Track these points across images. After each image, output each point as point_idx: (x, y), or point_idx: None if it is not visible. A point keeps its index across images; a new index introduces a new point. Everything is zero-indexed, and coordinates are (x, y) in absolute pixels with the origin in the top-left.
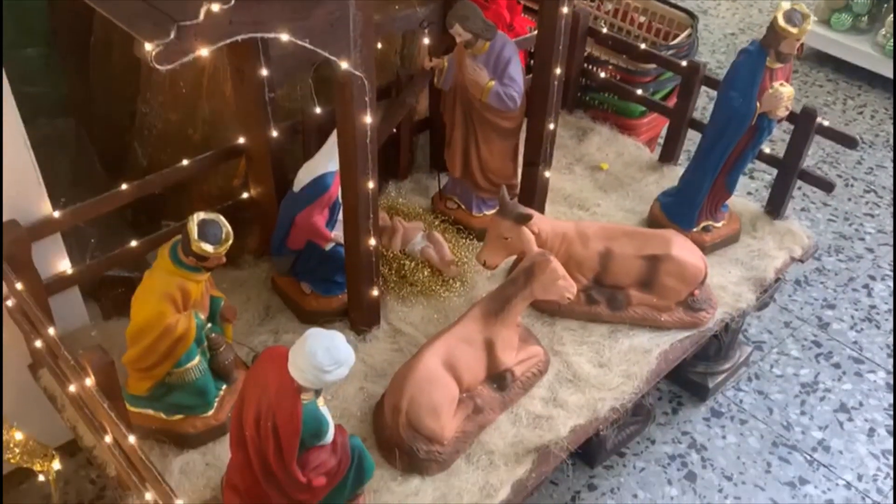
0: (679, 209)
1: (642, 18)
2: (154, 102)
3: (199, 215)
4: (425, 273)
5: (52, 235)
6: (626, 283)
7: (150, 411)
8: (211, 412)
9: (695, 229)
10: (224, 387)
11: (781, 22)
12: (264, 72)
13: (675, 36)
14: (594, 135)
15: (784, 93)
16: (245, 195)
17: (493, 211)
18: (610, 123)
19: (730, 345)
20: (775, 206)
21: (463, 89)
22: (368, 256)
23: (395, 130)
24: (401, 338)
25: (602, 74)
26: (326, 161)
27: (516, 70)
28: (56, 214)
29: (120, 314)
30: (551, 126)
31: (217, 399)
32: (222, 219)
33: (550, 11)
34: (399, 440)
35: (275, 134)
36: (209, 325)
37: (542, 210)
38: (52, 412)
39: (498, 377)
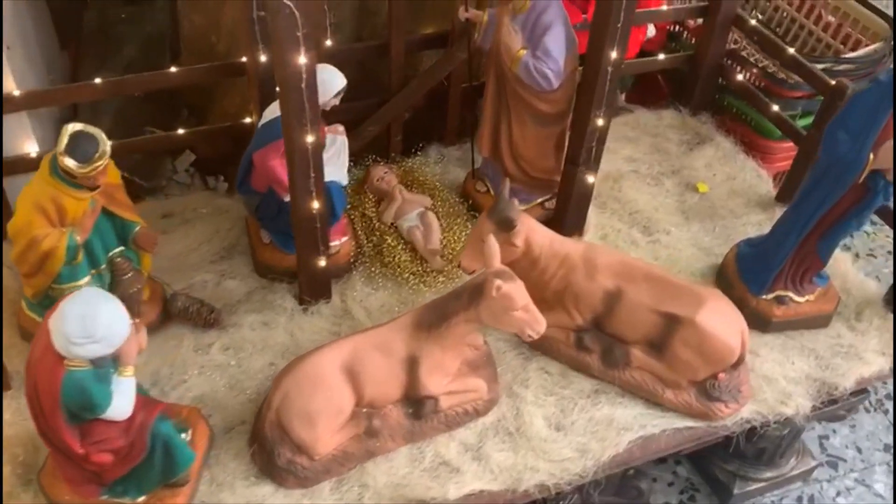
0: (754, 265)
1: (831, 18)
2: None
3: (75, 126)
4: (404, 256)
5: (15, 114)
6: (631, 338)
7: (38, 318)
8: None
9: (765, 296)
10: None
11: None
12: None
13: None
14: (709, 146)
15: None
16: (247, 119)
17: (523, 204)
18: (738, 137)
19: (779, 450)
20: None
21: (499, 54)
22: (311, 221)
23: (446, 87)
24: (346, 321)
25: (740, 77)
26: None
27: (556, 42)
28: (16, 93)
29: None
30: (599, 122)
31: None
32: (102, 136)
33: None
34: (262, 437)
35: (263, 58)
36: (120, 249)
37: (580, 223)
38: None
39: (416, 402)
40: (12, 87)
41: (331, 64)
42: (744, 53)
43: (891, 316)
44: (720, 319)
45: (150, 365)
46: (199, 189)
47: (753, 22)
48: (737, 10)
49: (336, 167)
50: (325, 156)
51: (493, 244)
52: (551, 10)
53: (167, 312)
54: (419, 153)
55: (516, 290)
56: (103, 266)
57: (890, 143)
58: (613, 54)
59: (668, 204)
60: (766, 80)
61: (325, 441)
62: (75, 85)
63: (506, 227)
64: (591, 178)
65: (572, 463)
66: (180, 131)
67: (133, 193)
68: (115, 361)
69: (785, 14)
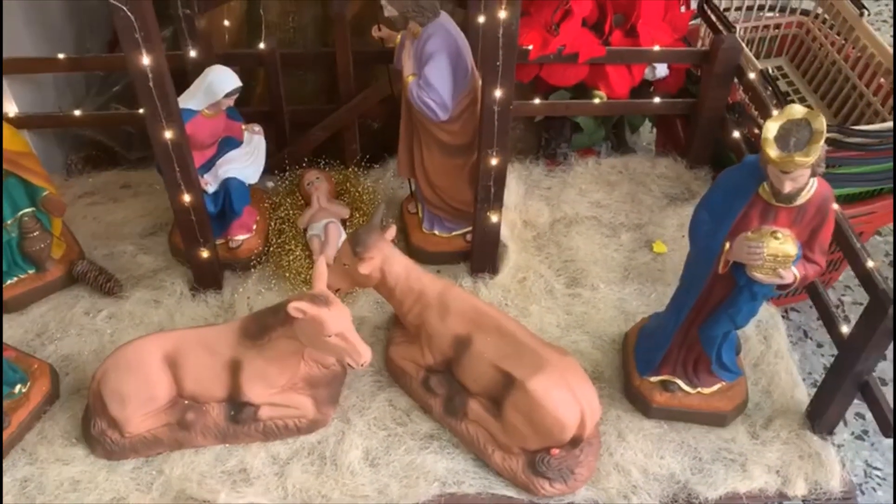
0: (646, 342)
1: (882, 80)
2: None
3: None
4: (302, 263)
5: None
6: (472, 389)
7: None
8: None
9: (650, 378)
10: (31, 271)
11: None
12: None
13: None
14: (692, 205)
15: (762, 247)
16: None
17: (444, 232)
18: None
19: None
20: (818, 413)
21: None
22: (185, 213)
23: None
24: (227, 315)
25: (735, 134)
26: (186, 97)
27: (436, 73)
28: None
29: (81, 172)
30: (493, 161)
31: (14, 280)
32: None
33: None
34: (87, 406)
35: (193, 53)
36: (30, 209)
37: (490, 261)
38: None
39: (237, 406)
40: None
41: (287, 67)
42: (753, 108)
43: (806, 433)
44: (558, 390)
45: (45, 317)
46: None
47: (752, 75)
48: (738, 59)
49: (246, 165)
50: (239, 152)
51: (321, 266)
52: (434, 40)
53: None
54: (378, 165)
55: (329, 316)
56: (9, 222)
57: (742, 235)
58: (498, 93)
59: (613, 259)
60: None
61: (136, 422)
62: (40, 58)
63: (357, 251)
64: (494, 217)
65: (365, 501)
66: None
67: (113, 162)
68: None
69: (821, 65)
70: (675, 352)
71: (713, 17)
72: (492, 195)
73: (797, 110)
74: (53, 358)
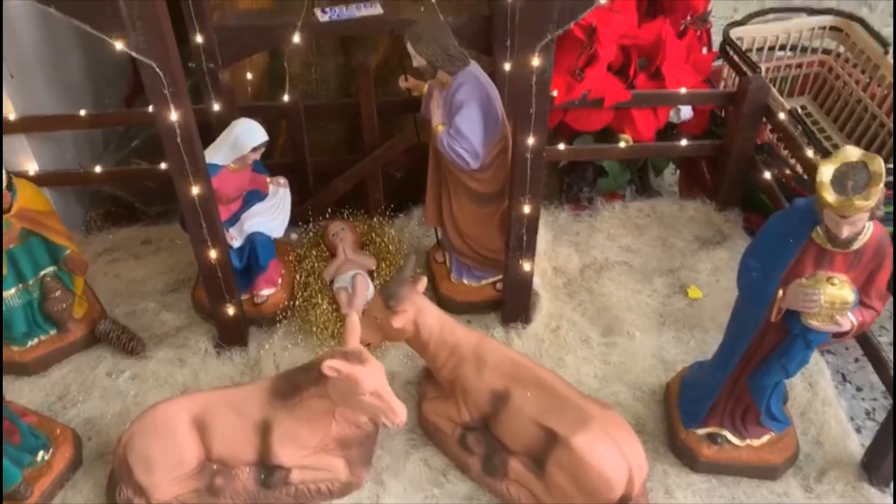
0: (691, 393)
1: None
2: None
3: None
4: (329, 317)
5: (15, 135)
6: (512, 447)
7: None
8: (16, 348)
9: (697, 430)
10: (53, 332)
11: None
12: (199, 39)
13: None
14: (724, 248)
15: (819, 294)
16: None
17: (473, 281)
18: None
19: None
20: (875, 464)
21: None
22: (211, 269)
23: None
24: (253, 373)
25: (766, 174)
26: (212, 151)
27: (467, 122)
28: (10, 118)
29: (101, 229)
30: (525, 209)
31: (35, 341)
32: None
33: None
34: (113, 471)
35: (216, 107)
36: (52, 268)
37: (523, 310)
38: None
39: (268, 469)
40: (10, 112)
41: (311, 118)
42: (783, 148)
43: (863, 486)
44: (604, 447)
45: (66, 379)
46: None
47: (782, 116)
48: (767, 100)
49: (271, 218)
50: (264, 206)
51: (354, 321)
52: (465, 89)
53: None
54: (402, 214)
55: (364, 374)
56: (31, 282)
57: (797, 282)
58: (531, 140)
59: (647, 305)
60: (795, 182)
61: (163, 489)
62: (60, 115)
63: (389, 303)
64: (527, 266)
65: None
66: (163, 166)
67: (133, 217)
68: None
69: (865, 108)
70: (722, 403)
71: (736, 58)
72: (524, 243)
73: (852, 152)
74: (76, 422)
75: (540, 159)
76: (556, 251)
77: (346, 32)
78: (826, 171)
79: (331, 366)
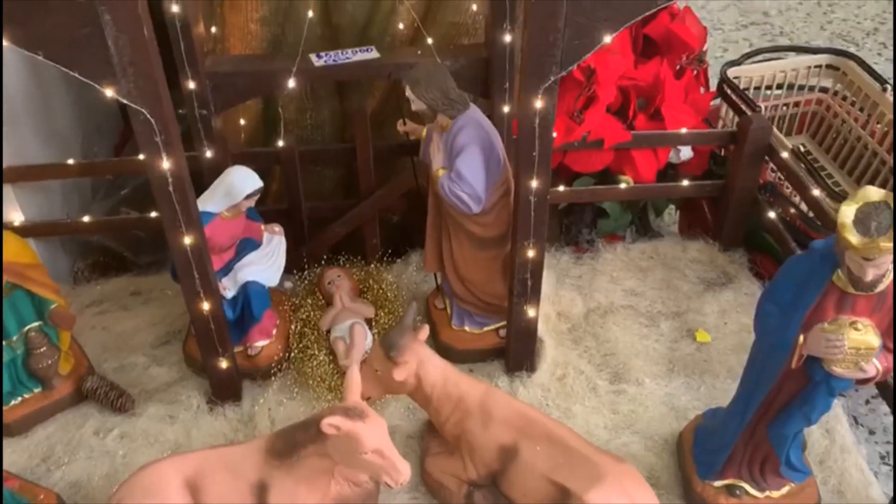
0: (707, 442)
1: None
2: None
3: None
4: (326, 368)
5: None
6: None
7: None
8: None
9: (713, 482)
10: (37, 390)
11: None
12: (191, 85)
13: None
14: (730, 289)
15: (843, 340)
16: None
17: (475, 328)
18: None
19: None
20: None
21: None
22: (203, 322)
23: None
24: (247, 429)
25: (771, 214)
26: (205, 199)
27: (468, 165)
28: None
29: (89, 280)
30: (529, 253)
31: (19, 400)
32: None
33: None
34: None
35: (209, 154)
36: (38, 323)
37: (527, 358)
38: None
39: None
40: None
41: (306, 164)
42: (786, 187)
43: None
44: (622, 501)
45: (51, 439)
46: None
47: (785, 154)
48: (769, 139)
49: (266, 267)
50: (258, 254)
51: (354, 374)
52: (465, 132)
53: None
54: (399, 259)
55: (366, 431)
56: (14, 338)
57: (818, 326)
58: (534, 183)
59: (655, 350)
60: (801, 220)
61: None
62: (48, 164)
63: (390, 354)
64: (531, 312)
65: None
66: (153, 215)
67: (122, 268)
68: None
69: (865, 145)
70: (740, 453)
71: (735, 98)
72: (528, 288)
73: (873, 192)
74: (61, 485)
75: (544, 202)
76: (560, 295)
77: (342, 77)
78: (847, 213)
79: (330, 423)
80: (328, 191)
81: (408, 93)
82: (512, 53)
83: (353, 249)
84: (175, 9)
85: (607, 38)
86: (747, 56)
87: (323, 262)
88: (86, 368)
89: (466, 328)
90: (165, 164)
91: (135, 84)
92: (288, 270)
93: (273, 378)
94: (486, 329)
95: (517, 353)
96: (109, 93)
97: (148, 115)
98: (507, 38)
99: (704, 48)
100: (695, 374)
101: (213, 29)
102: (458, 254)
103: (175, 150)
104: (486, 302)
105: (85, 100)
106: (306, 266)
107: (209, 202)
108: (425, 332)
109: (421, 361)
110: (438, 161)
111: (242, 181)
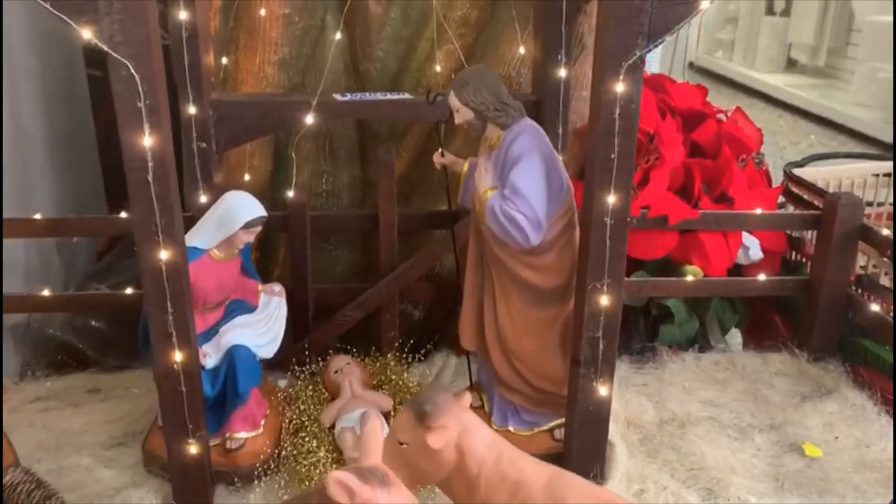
0: None
1: None
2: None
3: None
4: (325, 468)
5: None
6: None
7: None
8: None
9: None
10: None
11: None
12: (192, 109)
13: None
14: (833, 400)
15: None
16: None
17: (523, 429)
18: (877, 392)
19: None
20: None
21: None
22: (172, 380)
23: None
24: None
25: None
26: (194, 232)
27: (525, 177)
28: None
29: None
30: (603, 300)
31: None
32: None
33: None
34: None
35: (203, 199)
36: None
37: (595, 459)
38: None
39: None
40: None
41: (317, 237)
42: (884, 277)
43: None
44: None
45: None
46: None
47: (886, 231)
48: (861, 218)
49: (259, 333)
50: (252, 318)
51: (373, 430)
52: (523, 139)
53: None
54: (421, 357)
55: (384, 499)
56: None
57: None
58: (611, 199)
59: (754, 465)
60: None
61: None
62: (12, 219)
63: (423, 419)
64: (603, 390)
65: None
66: (128, 291)
67: (83, 365)
68: None
69: None
70: None
71: (803, 195)
72: (600, 354)
73: None
74: None
75: (623, 226)
76: (626, 399)
77: (369, 116)
78: None
79: (340, 480)
80: (340, 274)
81: (452, 101)
82: (567, 94)
83: (366, 342)
84: (183, 15)
85: (706, 2)
86: (812, 158)
87: (329, 355)
88: (10, 462)
89: (511, 429)
90: (147, 141)
91: (120, 25)
92: (283, 366)
93: (257, 482)
94: (536, 430)
95: (583, 453)
96: (87, 34)
97: (132, 70)
98: (562, 72)
99: (760, 150)
100: (812, 493)
101: (224, 60)
102: (504, 319)
103: (161, 123)
104: (539, 389)
105: (68, 191)
106: (308, 360)
107: (197, 235)
108: (468, 398)
109: (465, 429)
110: (486, 181)
111: (241, 207)
